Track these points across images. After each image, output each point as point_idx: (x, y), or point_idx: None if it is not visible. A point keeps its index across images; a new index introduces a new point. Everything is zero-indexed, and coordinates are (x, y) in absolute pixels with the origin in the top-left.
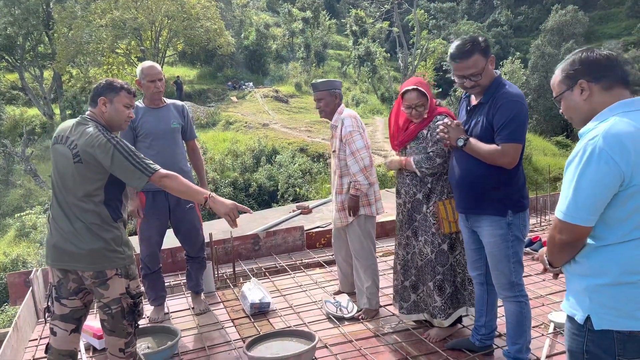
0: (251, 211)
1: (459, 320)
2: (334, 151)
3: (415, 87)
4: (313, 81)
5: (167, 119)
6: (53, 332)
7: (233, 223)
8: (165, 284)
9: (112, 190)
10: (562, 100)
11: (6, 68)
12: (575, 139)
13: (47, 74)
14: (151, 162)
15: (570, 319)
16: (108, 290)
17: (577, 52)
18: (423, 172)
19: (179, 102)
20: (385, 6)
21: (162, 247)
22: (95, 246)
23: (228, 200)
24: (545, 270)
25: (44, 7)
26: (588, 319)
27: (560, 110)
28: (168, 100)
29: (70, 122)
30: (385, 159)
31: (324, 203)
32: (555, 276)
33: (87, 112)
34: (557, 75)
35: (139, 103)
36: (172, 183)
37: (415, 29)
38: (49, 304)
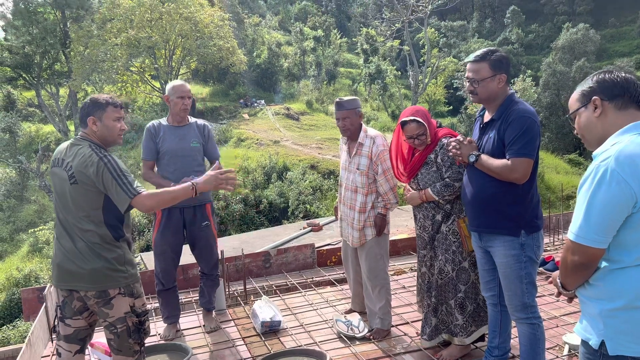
0: (233, 170)
1: (481, 338)
2: (358, 168)
3: (412, 117)
4: (338, 99)
5: (188, 138)
6: (58, 353)
7: (229, 185)
8: None
9: (112, 210)
10: (576, 118)
11: (23, 86)
12: (587, 156)
13: (63, 91)
14: (138, 184)
15: (585, 343)
16: (112, 310)
17: (595, 73)
18: (446, 200)
19: (200, 121)
20: (396, 25)
21: None
22: (97, 265)
23: (206, 176)
24: (559, 294)
25: (61, 26)
26: (602, 343)
27: (575, 131)
28: (191, 119)
29: (65, 145)
30: (404, 195)
31: (335, 220)
32: (570, 300)
33: (80, 133)
34: (575, 93)
35: (163, 121)
36: (155, 200)
37: (426, 47)
38: (55, 324)
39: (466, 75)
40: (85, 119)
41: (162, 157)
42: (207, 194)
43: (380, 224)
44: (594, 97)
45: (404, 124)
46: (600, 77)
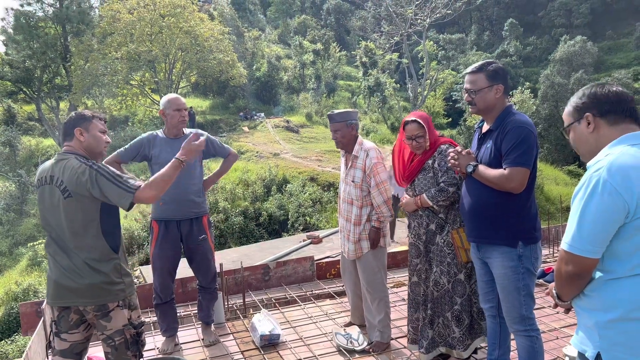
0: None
1: (475, 351)
2: (352, 181)
3: (414, 118)
4: (329, 112)
5: None
6: None
7: (199, 146)
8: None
9: (107, 220)
10: (570, 132)
11: (23, 100)
12: (586, 168)
13: (63, 105)
14: (132, 180)
15: (581, 355)
16: (110, 322)
17: (588, 86)
18: (440, 205)
19: (195, 131)
20: (395, 38)
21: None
22: (95, 280)
23: (183, 149)
24: (556, 306)
25: (62, 40)
26: (598, 355)
27: (570, 141)
28: (187, 131)
29: (48, 162)
30: (399, 202)
31: (334, 232)
32: (567, 311)
33: (64, 148)
34: (568, 107)
35: (159, 133)
36: (154, 188)
37: (425, 59)
38: (50, 339)
39: (464, 87)
40: (72, 130)
41: (159, 169)
42: (204, 206)
43: (374, 237)
44: (587, 114)
45: (406, 124)
46: (592, 91)
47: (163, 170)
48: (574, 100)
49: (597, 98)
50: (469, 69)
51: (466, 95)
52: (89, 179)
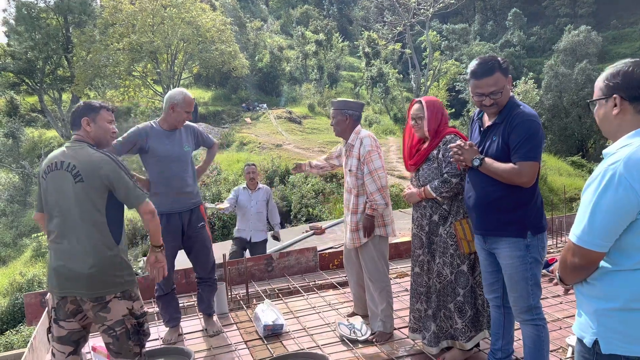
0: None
1: (477, 343)
2: (350, 170)
3: (420, 99)
4: (334, 99)
5: (181, 143)
6: (53, 354)
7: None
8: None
9: (113, 211)
10: (597, 106)
11: (26, 91)
12: (590, 158)
13: (66, 96)
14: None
15: (580, 341)
16: (110, 313)
17: (629, 63)
18: (444, 197)
19: (187, 124)
20: (398, 28)
21: (176, 268)
22: (94, 270)
23: (149, 266)
24: (556, 283)
25: (64, 31)
26: (596, 342)
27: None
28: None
29: (59, 150)
30: (402, 192)
31: (337, 223)
32: (566, 291)
33: (74, 137)
34: (600, 79)
35: (154, 124)
36: (153, 221)
37: (428, 50)
38: (49, 325)
39: (481, 92)
40: (79, 120)
41: (158, 162)
42: (199, 195)
43: (366, 225)
44: (615, 95)
45: (412, 104)
46: (629, 70)
47: (157, 232)
48: (608, 75)
49: (631, 80)
50: (483, 73)
51: (485, 98)
52: (109, 170)
